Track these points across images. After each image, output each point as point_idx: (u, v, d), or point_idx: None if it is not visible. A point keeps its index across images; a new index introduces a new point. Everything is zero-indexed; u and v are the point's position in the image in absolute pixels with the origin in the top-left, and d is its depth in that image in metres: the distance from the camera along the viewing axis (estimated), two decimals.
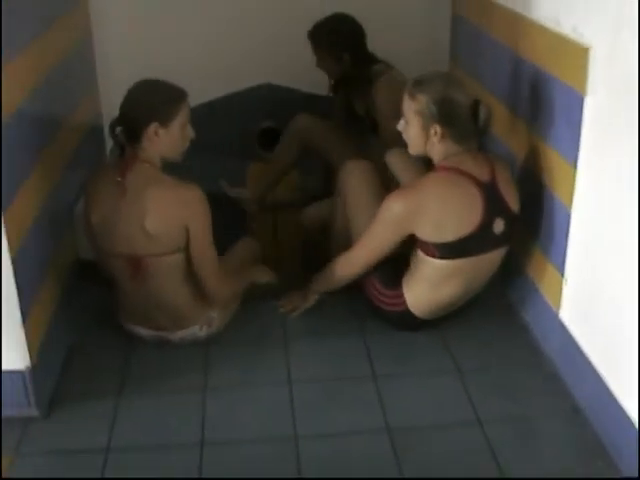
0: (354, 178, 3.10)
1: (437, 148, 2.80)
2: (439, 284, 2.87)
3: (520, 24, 3.05)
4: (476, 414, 2.63)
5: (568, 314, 2.73)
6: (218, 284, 2.90)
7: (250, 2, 4.21)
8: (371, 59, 3.68)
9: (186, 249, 2.80)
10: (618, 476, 2.35)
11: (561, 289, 2.75)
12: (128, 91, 2.77)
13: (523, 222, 2.95)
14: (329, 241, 3.32)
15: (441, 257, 2.80)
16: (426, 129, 2.77)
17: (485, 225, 2.77)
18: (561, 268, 2.75)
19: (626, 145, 2.26)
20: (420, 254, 2.86)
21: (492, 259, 2.89)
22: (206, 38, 4.22)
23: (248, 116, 3.99)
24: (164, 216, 2.73)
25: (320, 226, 3.52)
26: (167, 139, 2.75)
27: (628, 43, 2.22)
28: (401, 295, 2.94)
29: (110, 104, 4.07)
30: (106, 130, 4.00)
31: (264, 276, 3.20)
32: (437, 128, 2.75)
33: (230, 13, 4.20)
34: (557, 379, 2.76)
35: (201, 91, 4.18)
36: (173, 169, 2.84)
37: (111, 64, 4.12)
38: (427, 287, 2.89)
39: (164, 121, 2.72)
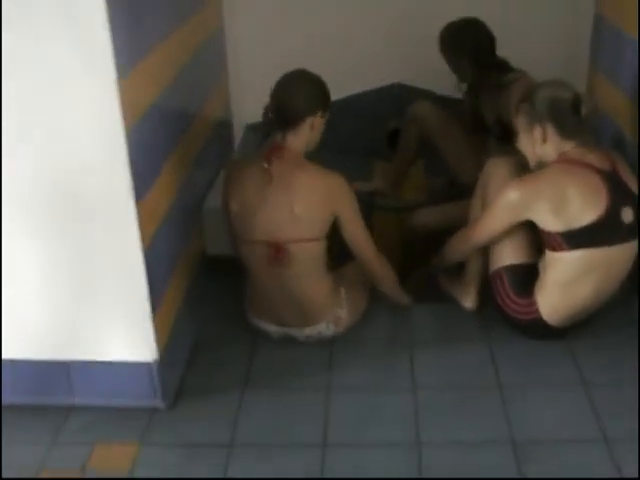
0: (498, 172, 3.04)
1: (548, 150, 2.84)
2: (572, 283, 2.83)
3: None
4: (602, 430, 2.56)
5: None
6: (381, 263, 3.01)
7: (380, 2, 4.17)
8: (501, 67, 3.62)
9: (326, 238, 2.87)
10: None
11: None
12: (286, 80, 2.83)
13: None
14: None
15: (571, 248, 2.77)
16: (532, 134, 2.84)
17: (613, 213, 2.74)
18: None
19: None
20: (549, 254, 2.84)
21: (624, 254, 2.83)
22: (337, 34, 4.21)
23: (378, 116, 3.97)
24: (313, 202, 2.79)
25: (427, 232, 3.51)
26: (320, 129, 2.88)
27: None
28: (534, 303, 2.90)
29: (239, 99, 4.16)
30: (236, 124, 4.11)
31: (405, 299, 3.22)
32: (539, 128, 2.81)
33: (362, 10, 4.17)
34: None
35: (331, 88, 4.19)
36: None
37: (240, 59, 4.17)
38: (559, 288, 2.85)
39: (324, 112, 2.86)
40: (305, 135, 2.83)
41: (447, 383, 2.83)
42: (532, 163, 2.91)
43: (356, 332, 3.08)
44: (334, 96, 4.09)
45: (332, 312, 2.97)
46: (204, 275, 3.23)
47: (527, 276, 2.94)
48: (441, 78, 3.80)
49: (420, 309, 3.23)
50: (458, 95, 3.77)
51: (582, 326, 2.98)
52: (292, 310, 2.94)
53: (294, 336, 3.00)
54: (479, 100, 3.75)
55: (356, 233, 2.91)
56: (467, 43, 3.61)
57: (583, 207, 2.73)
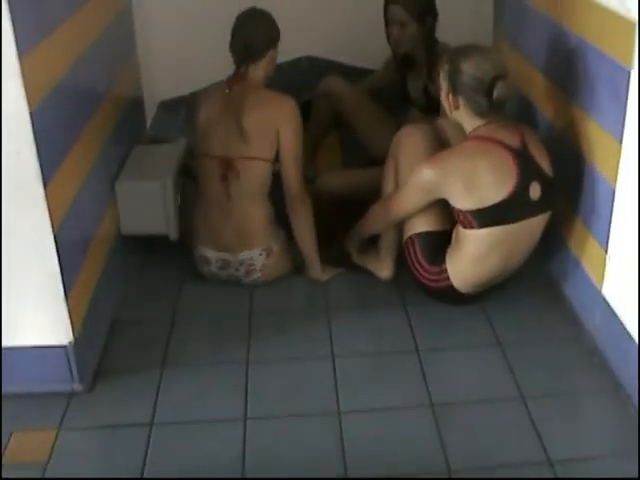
0: (411, 140, 3.08)
1: (461, 117, 2.90)
2: (481, 258, 2.88)
3: None
4: (518, 389, 2.63)
5: (611, 290, 2.70)
6: (303, 202, 3.14)
7: None
8: (436, 40, 3.62)
9: (274, 163, 3.11)
10: None
11: (604, 264, 2.72)
12: (245, 19, 3.11)
13: (565, 195, 2.94)
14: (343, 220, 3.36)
15: (480, 226, 2.81)
16: (447, 98, 2.88)
17: (521, 190, 2.79)
18: (604, 244, 2.71)
19: None
20: (460, 229, 2.89)
21: (532, 227, 2.89)
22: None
23: (289, 89, 3.95)
24: (261, 118, 3.05)
25: (335, 196, 3.54)
26: (275, 59, 3.18)
27: None
28: (445, 271, 2.95)
29: (150, 76, 4.10)
30: (148, 101, 4.05)
31: (321, 275, 3.26)
32: (451, 97, 2.86)
33: None
34: (598, 354, 2.75)
35: None
36: None
37: (150, 37, 4.11)
38: (470, 262, 2.90)
39: (278, 44, 3.15)
40: (265, 67, 3.13)
41: (365, 350, 2.87)
42: (448, 114, 2.94)
43: (274, 303, 3.13)
44: None
45: (266, 241, 3.16)
46: (120, 255, 3.20)
47: (439, 244, 2.98)
48: (350, 49, 3.80)
49: (337, 278, 3.27)
50: (368, 66, 3.76)
51: (495, 289, 3.04)
52: (231, 233, 3.14)
53: (229, 260, 3.16)
54: (409, 71, 3.75)
55: (289, 158, 3.08)
56: (431, 8, 3.58)
57: (494, 186, 2.78)
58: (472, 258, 2.88)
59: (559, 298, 3.08)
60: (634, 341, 2.51)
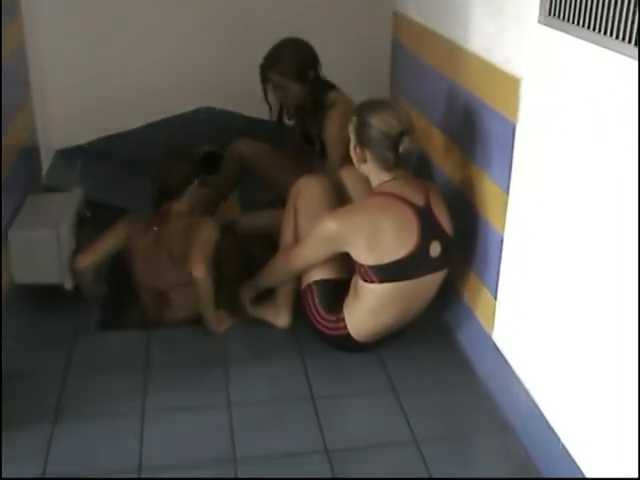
0: (309, 191, 3.11)
1: (368, 171, 2.92)
2: (379, 310, 2.92)
3: (456, 53, 3.10)
4: (412, 433, 2.67)
5: (500, 336, 2.79)
6: (202, 277, 3.10)
7: (188, 26, 4.20)
8: (327, 83, 3.66)
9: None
10: None
11: (494, 312, 2.81)
12: (165, 159, 3.28)
13: (459, 246, 3.01)
14: (269, 253, 3.33)
15: (380, 281, 2.85)
16: (355, 150, 2.91)
17: (421, 248, 2.84)
18: (494, 291, 2.81)
19: (554, 172, 2.33)
20: (360, 282, 2.91)
21: (430, 283, 2.95)
22: (145, 58, 4.19)
23: (188, 140, 3.99)
24: (186, 241, 3.13)
25: (253, 235, 3.60)
26: (200, 193, 3.31)
27: (555, 74, 2.30)
28: (342, 320, 2.98)
29: (46, 124, 4.06)
30: (44, 149, 4.00)
31: (217, 328, 3.24)
32: (358, 150, 2.89)
33: (169, 34, 4.19)
34: (490, 399, 2.82)
35: (139, 113, 4.16)
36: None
37: (46, 84, 4.07)
38: (367, 313, 2.93)
39: (200, 178, 3.27)
40: (187, 201, 3.25)
41: (261, 398, 2.86)
42: (356, 166, 2.97)
43: (170, 352, 3.12)
44: (143, 120, 4.09)
45: None
46: (12, 305, 3.12)
47: (337, 292, 3.01)
48: (248, 100, 3.84)
49: (234, 327, 3.26)
50: (266, 117, 3.79)
51: (392, 339, 3.08)
52: None
53: None
54: (306, 118, 3.78)
55: (199, 251, 3.11)
56: (308, 58, 3.59)
57: (395, 243, 2.82)
58: (370, 310, 2.92)
59: (453, 346, 3.14)
60: (523, 385, 2.60)
